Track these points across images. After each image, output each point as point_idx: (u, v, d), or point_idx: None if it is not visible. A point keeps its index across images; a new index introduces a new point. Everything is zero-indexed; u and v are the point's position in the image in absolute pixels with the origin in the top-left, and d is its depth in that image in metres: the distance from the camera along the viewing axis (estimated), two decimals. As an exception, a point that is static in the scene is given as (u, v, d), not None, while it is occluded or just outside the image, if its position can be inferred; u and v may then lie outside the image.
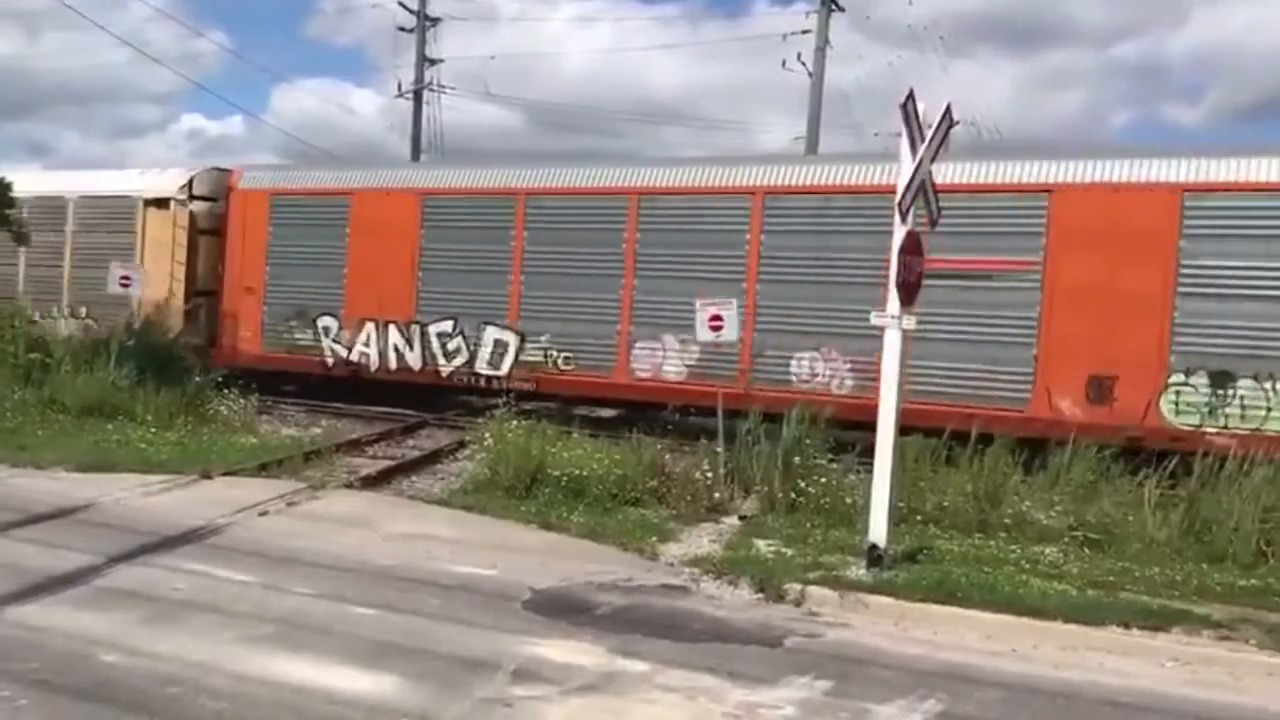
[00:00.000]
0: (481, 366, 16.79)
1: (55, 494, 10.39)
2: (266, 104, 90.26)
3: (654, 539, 9.62)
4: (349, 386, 18.10)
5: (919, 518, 10.18)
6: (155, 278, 18.78)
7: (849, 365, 14.31)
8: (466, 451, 13.60)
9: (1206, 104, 76.21)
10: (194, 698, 5.64)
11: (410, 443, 15.13)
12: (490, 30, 64.46)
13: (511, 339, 16.62)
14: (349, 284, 17.88)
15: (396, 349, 17.53)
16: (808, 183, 15.05)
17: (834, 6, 29.93)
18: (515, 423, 11.93)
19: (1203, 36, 73.44)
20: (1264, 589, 8.61)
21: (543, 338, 16.38)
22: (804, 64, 29.83)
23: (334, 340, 17.96)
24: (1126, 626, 7.45)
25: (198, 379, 15.51)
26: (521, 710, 5.74)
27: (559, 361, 16.25)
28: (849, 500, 10.43)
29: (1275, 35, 64.08)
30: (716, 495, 11.04)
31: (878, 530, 8.67)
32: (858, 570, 8.59)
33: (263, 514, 10.11)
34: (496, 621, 7.27)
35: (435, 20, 35.69)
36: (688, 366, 15.35)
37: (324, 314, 18.06)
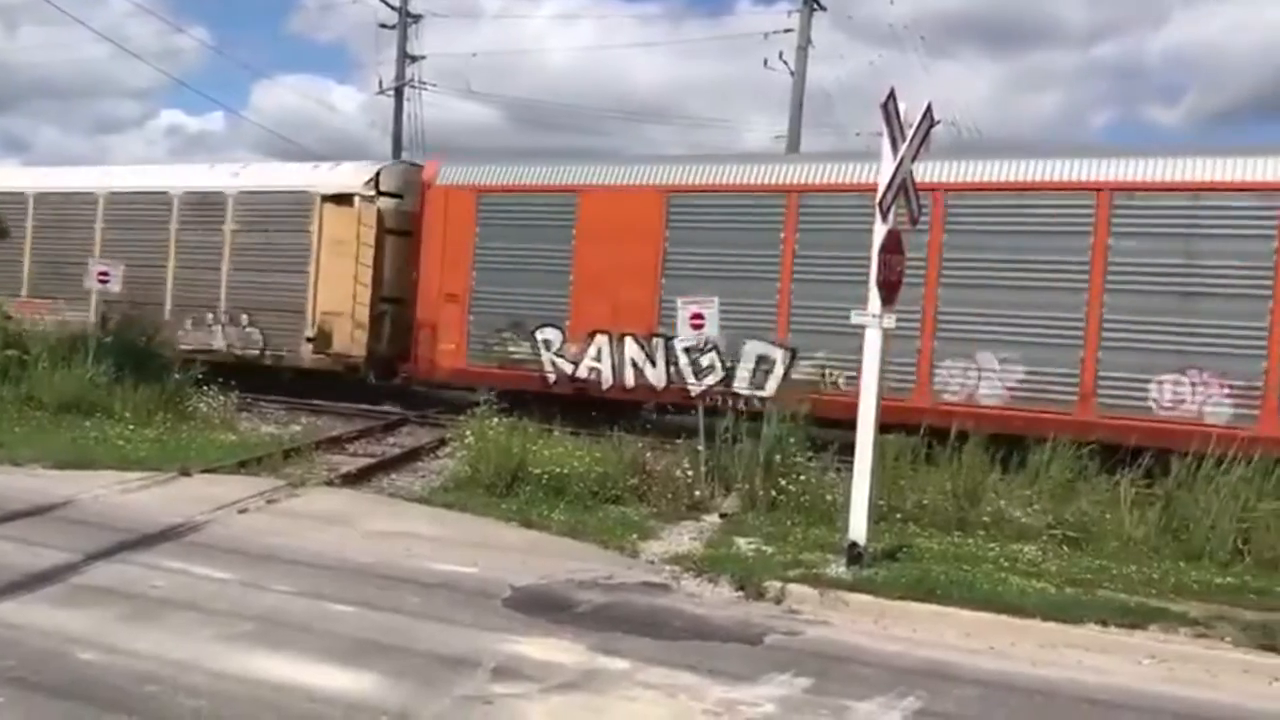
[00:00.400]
0: (740, 386, 14.85)
1: (32, 491, 10.32)
2: (247, 100, 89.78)
3: (635, 537, 9.63)
4: (330, 384, 17.96)
5: (899, 516, 10.22)
6: (333, 282, 17.56)
7: (1224, 389, 12.56)
8: (447, 449, 13.58)
9: (1185, 105, 76.72)
10: (172, 696, 5.61)
11: (391, 440, 15.09)
12: (472, 27, 64.33)
13: (779, 355, 14.77)
14: (576, 292, 15.97)
15: (634, 364, 15.72)
16: (1168, 178, 13.06)
17: (816, 6, 29.96)
18: (496, 420, 11.92)
19: (1183, 37, 73.96)
20: (1240, 587, 8.68)
21: (818, 354, 14.41)
22: (786, 63, 29.86)
23: (556, 354, 16.12)
24: (1104, 624, 7.49)
25: (177, 376, 15.39)
26: (501, 708, 5.74)
27: (839, 381, 14.15)
28: (829, 498, 10.46)
29: (1254, 37, 64.58)
30: (697, 493, 11.06)
31: (858, 528, 8.69)
32: (838, 568, 8.62)
33: (242, 511, 10.07)
34: (477, 619, 7.26)
35: (417, 17, 35.62)
36: (1009, 389, 13.48)
37: (545, 325, 16.18)
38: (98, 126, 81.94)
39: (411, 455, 13.70)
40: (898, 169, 8.57)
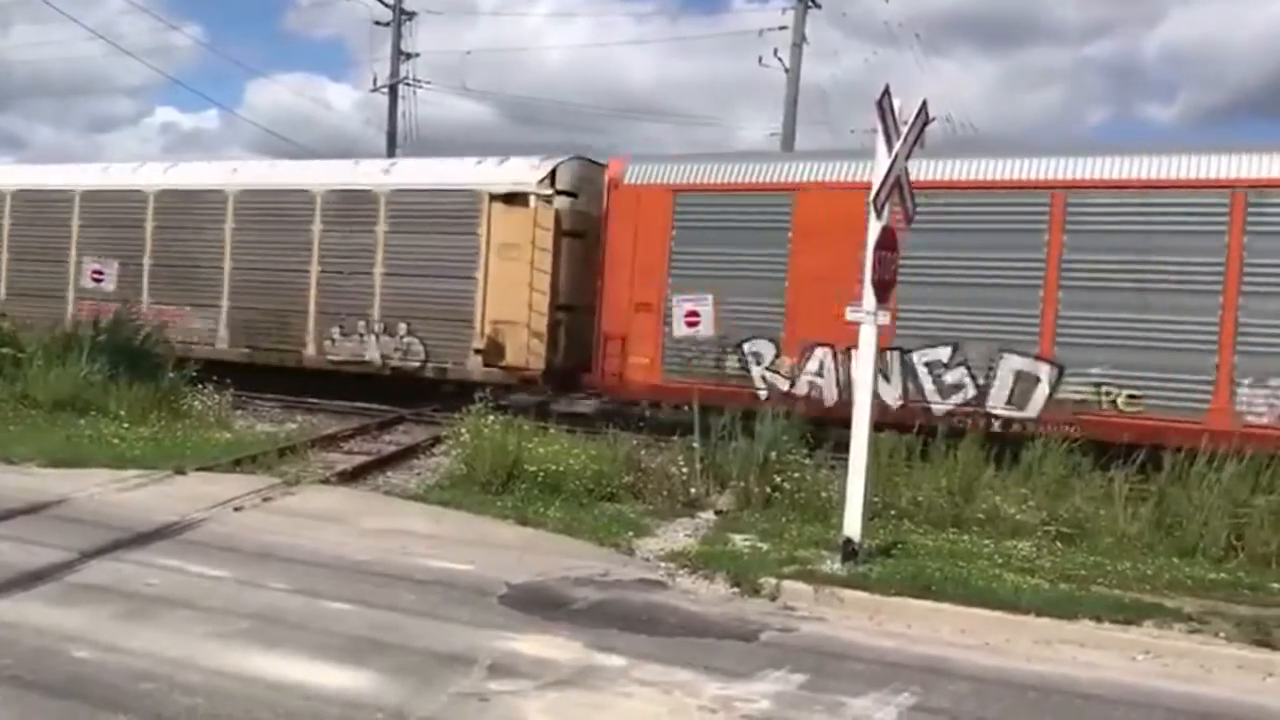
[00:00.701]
0: (996, 405, 13.41)
1: (27, 489, 10.31)
2: (241, 98, 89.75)
3: (630, 534, 9.64)
4: (327, 380, 17.82)
5: (893, 513, 10.23)
6: (504, 288, 16.15)
7: None
8: (443, 447, 13.56)
9: (1180, 102, 76.84)
10: (167, 694, 5.61)
11: (386, 438, 15.08)
12: (467, 25, 64.28)
13: (1043, 371, 13.24)
14: (792, 300, 14.47)
15: None
16: None
17: (810, 3, 29.97)
18: (492, 418, 11.92)
19: (1179, 35, 74.06)
20: (1234, 582, 8.71)
21: (1092, 370, 13.01)
22: (780, 60, 29.87)
23: (769, 369, 14.64)
24: (1099, 620, 7.51)
25: (170, 375, 15.37)
26: (497, 705, 5.74)
27: (1118, 401, 12.91)
28: (824, 495, 10.47)
29: (1248, 34, 64.67)
30: (693, 490, 11.06)
31: (853, 525, 8.71)
32: (833, 565, 8.63)
33: (237, 509, 10.07)
34: (472, 617, 7.26)
35: (411, 14, 35.56)
36: None
37: (754, 337, 14.72)
38: (92, 124, 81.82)
39: (407, 453, 13.70)
40: (892, 166, 8.58)
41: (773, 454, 10.96)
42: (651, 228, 15.19)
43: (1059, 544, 9.67)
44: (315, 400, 17.47)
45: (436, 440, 14.13)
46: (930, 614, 7.68)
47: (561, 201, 16.22)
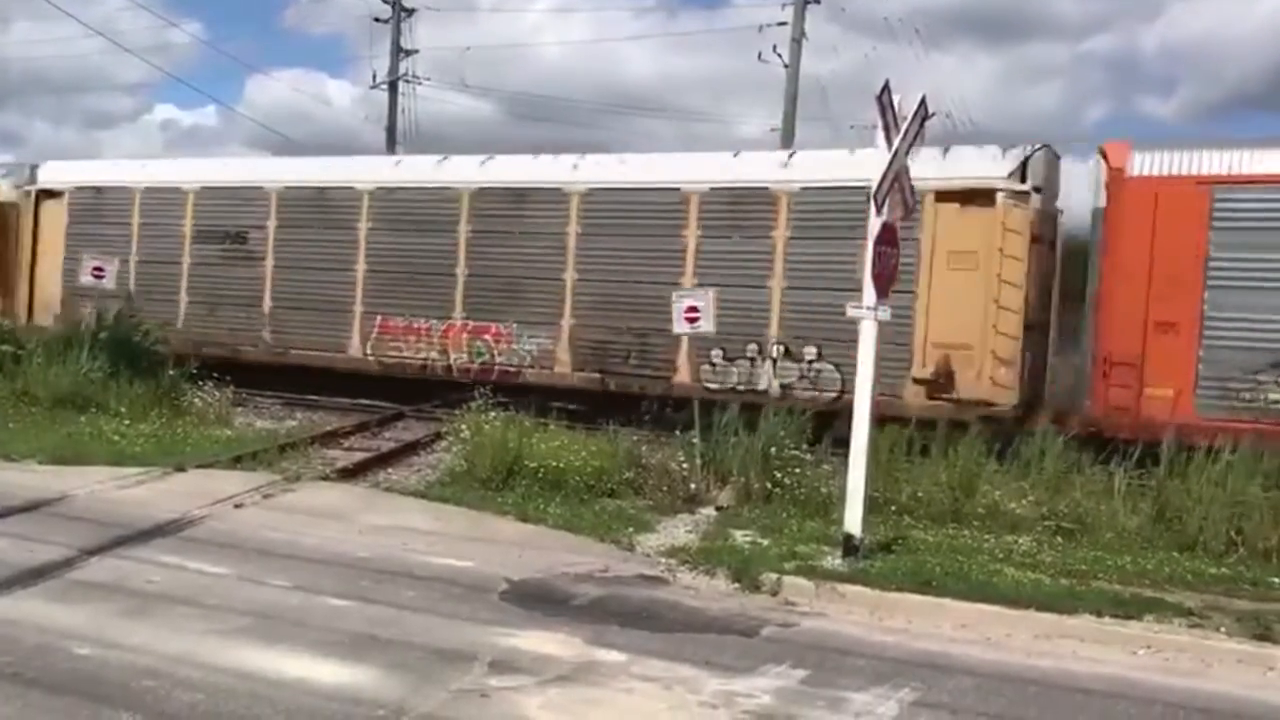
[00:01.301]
0: None
1: (28, 487, 10.31)
2: (241, 94, 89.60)
3: (631, 530, 9.64)
4: (326, 376, 17.73)
5: (893, 508, 10.23)
6: (951, 304, 13.46)
7: None
8: (443, 444, 13.54)
9: (1179, 97, 76.78)
10: (169, 690, 5.61)
11: (387, 435, 15.06)
12: (466, 21, 64.18)
13: None
14: None
15: None
16: None
17: (810, -2, 29.92)
18: (492, 414, 11.91)
19: (1178, 29, 73.96)
20: (1234, 577, 8.72)
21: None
22: (780, 56, 29.79)
23: None
24: (1099, 615, 7.52)
25: (171, 372, 15.35)
26: (498, 700, 5.74)
27: None
28: (824, 491, 10.47)
29: (1247, 28, 64.58)
30: (693, 486, 11.06)
31: (853, 520, 8.71)
32: (833, 560, 8.63)
33: (238, 506, 10.07)
34: (473, 613, 7.26)
35: (411, 10, 35.49)
36: None
37: None
38: (91, 121, 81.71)
39: (407, 450, 13.69)
40: (892, 161, 8.58)
41: (772, 449, 10.96)
42: (1176, 231, 12.46)
43: (1059, 539, 9.67)
44: (315, 397, 17.39)
45: (437, 436, 14.11)
46: (931, 609, 7.68)
47: (1035, 200, 13.49)
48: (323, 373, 17.53)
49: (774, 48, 29.95)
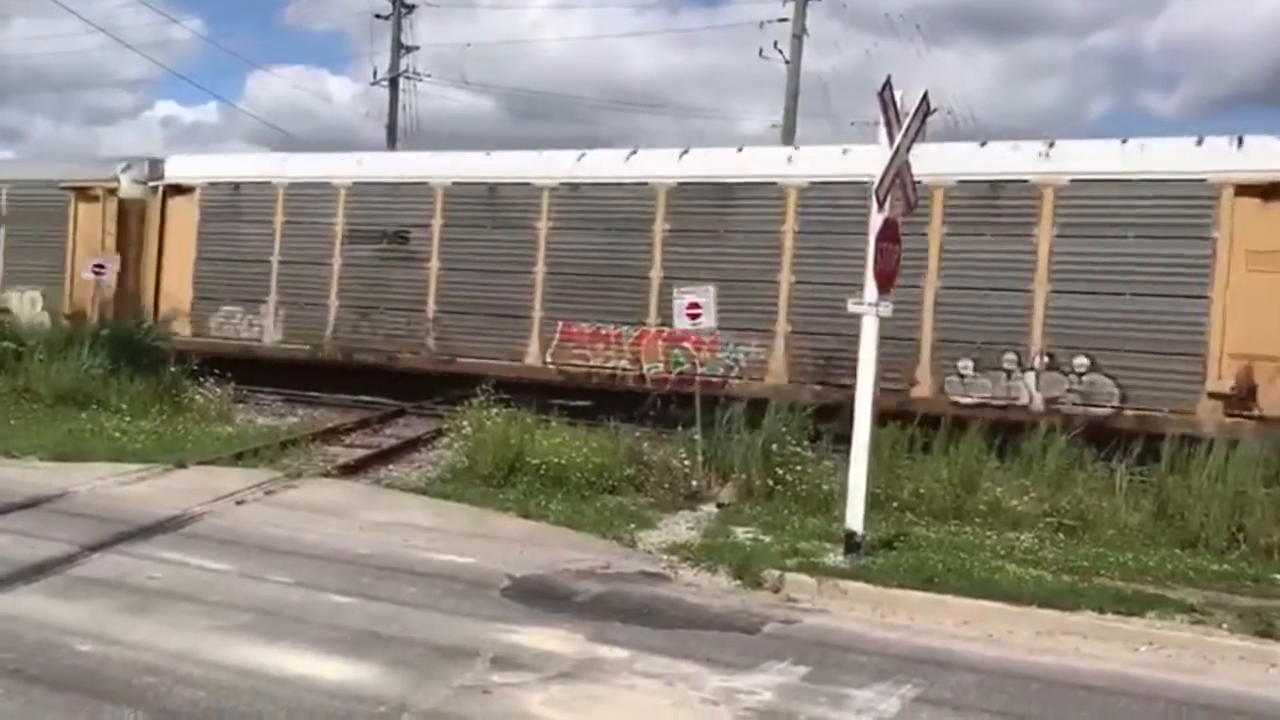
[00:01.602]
0: None
1: (29, 484, 10.30)
2: (242, 91, 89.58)
3: (632, 527, 9.64)
4: (327, 373, 17.66)
5: (895, 505, 10.22)
6: (1258, 310, 12.11)
7: None
8: (445, 440, 13.52)
9: (1180, 94, 76.69)
10: (170, 687, 5.60)
11: (388, 431, 15.06)
12: (466, 17, 64.18)
13: None
14: None
15: None
16: None
17: (811, -6, 29.88)
18: (494, 411, 11.91)
19: (1180, 25, 73.86)
20: (1236, 573, 8.71)
21: None
22: (781, 52, 29.77)
23: None
24: (1101, 611, 7.51)
25: (172, 369, 15.34)
26: (500, 697, 5.74)
27: None
28: (826, 488, 10.47)
29: (1249, 25, 64.53)
30: (694, 483, 11.05)
31: (855, 517, 8.71)
32: (835, 557, 8.63)
33: (239, 503, 10.07)
34: (475, 609, 7.26)
35: (411, 7, 35.48)
36: None
37: None
38: (91, 118, 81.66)
39: (409, 446, 13.67)
40: (894, 157, 8.57)
41: (774, 446, 10.96)
42: None
43: (1061, 535, 9.67)
44: (317, 394, 17.34)
45: (438, 433, 14.09)
46: (933, 605, 7.68)
47: None
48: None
49: (775, 44, 29.96)
